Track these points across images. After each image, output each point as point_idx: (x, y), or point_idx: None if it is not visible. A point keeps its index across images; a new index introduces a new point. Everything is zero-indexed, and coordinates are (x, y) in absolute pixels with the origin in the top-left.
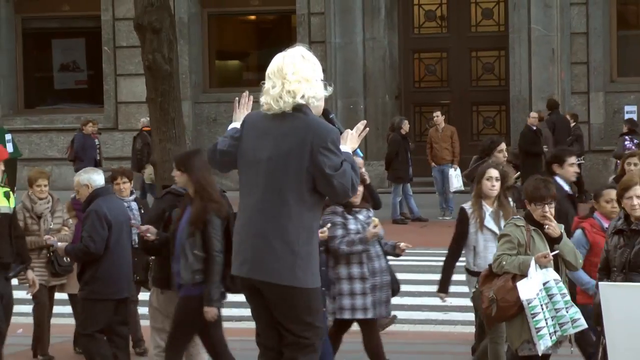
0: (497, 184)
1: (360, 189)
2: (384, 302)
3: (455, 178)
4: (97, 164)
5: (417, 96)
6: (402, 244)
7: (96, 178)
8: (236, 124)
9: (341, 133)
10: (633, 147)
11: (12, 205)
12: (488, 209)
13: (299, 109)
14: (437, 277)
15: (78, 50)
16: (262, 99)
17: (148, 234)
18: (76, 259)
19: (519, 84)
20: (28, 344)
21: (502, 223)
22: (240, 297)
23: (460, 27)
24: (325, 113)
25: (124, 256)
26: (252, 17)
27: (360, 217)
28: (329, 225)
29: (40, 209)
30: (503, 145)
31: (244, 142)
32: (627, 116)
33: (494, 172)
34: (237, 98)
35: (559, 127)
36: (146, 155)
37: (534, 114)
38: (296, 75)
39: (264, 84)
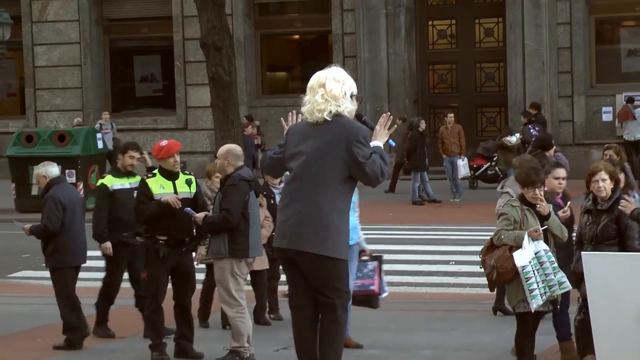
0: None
1: None
2: None
3: (463, 167)
4: (254, 162)
5: (432, 100)
6: None
7: (52, 170)
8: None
9: (373, 129)
10: (538, 133)
11: (193, 190)
12: None
13: (335, 117)
14: (449, 248)
15: (155, 64)
16: (304, 109)
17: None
18: (38, 237)
19: (515, 90)
20: (117, 304)
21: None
22: None
23: (467, 44)
24: (359, 116)
25: (77, 232)
26: (296, 36)
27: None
28: None
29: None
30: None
31: (289, 145)
32: (604, 117)
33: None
34: (282, 118)
35: (542, 123)
36: None
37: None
38: (335, 91)
39: (304, 97)
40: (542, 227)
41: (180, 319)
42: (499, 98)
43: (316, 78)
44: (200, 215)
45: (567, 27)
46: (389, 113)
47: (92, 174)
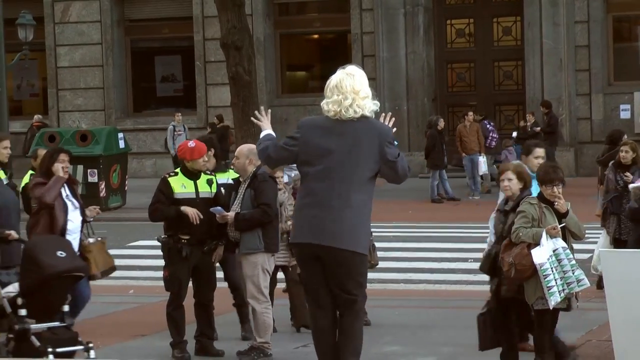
0: None
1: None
2: None
3: (483, 164)
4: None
5: (450, 99)
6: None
7: None
8: (267, 131)
9: None
10: (493, 127)
11: (214, 190)
12: None
13: (362, 117)
14: (468, 245)
15: (175, 64)
16: (329, 107)
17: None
18: None
19: (533, 88)
20: (138, 302)
21: None
22: None
23: (485, 42)
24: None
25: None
26: (315, 36)
27: None
28: None
29: (281, 198)
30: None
31: (308, 139)
32: (622, 114)
33: None
34: (256, 112)
35: (554, 120)
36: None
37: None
38: (363, 92)
39: (326, 93)
40: (560, 224)
41: (200, 316)
42: (517, 96)
43: (343, 76)
44: (231, 213)
45: (585, 25)
46: (390, 113)
47: (113, 173)
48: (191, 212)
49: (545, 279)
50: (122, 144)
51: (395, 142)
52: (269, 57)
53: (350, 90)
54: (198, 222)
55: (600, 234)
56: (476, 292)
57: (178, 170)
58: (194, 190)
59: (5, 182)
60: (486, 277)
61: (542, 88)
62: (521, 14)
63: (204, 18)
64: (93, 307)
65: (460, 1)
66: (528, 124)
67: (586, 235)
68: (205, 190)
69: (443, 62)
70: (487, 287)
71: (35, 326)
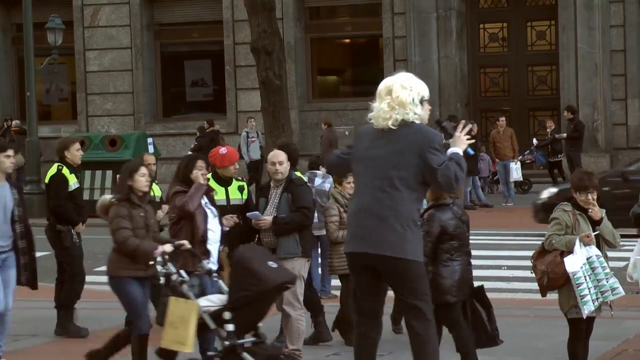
0: None
1: None
2: None
3: (516, 170)
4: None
5: (483, 104)
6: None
7: None
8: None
9: (452, 136)
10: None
11: (245, 197)
12: None
13: (405, 124)
14: (501, 253)
15: (205, 69)
16: (373, 113)
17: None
18: None
19: (567, 93)
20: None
21: None
22: None
23: (519, 47)
24: (438, 122)
25: None
26: (347, 40)
27: None
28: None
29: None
30: None
31: (358, 148)
32: None
33: None
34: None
35: (580, 125)
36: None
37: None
38: (397, 100)
39: (373, 102)
40: (594, 232)
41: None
42: (552, 101)
43: (384, 84)
44: (269, 218)
45: (621, 30)
46: (467, 120)
47: None
48: (225, 221)
49: (578, 287)
50: (151, 149)
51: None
52: (300, 62)
53: (388, 98)
54: (232, 224)
55: (636, 241)
56: (510, 300)
57: (209, 176)
58: (224, 197)
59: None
60: (519, 285)
61: (577, 93)
62: (556, 18)
63: (234, 22)
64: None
65: (494, 5)
66: (548, 130)
67: (621, 243)
68: (236, 197)
69: (476, 66)
70: (520, 295)
71: (242, 341)
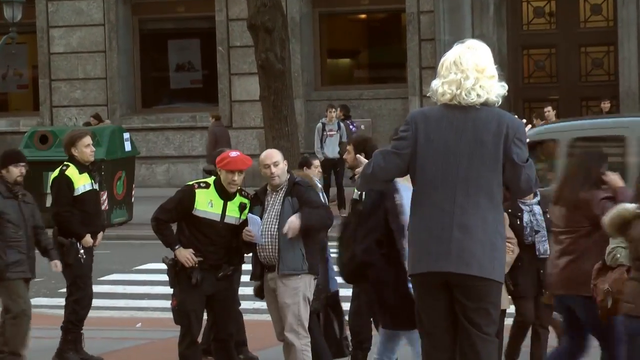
0: None
1: None
2: None
3: None
4: None
5: (526, 92)
6: None
7: None
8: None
9: None
10: (355, 129)
11: (243, 217)
12: None
13: (487, 103)
14: None
15: (193, 50)
16: (445, 88)
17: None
18: None
19: (628, 78)
20: (148, 337)
21: None
22: None
23: (569, 23)
24: None
25: None
26: (363, 15)
27: None
28: None
29: None
30: None
31: (419, 137)
32: None
33: None
34: None
35: None
36: None
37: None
38: (489, 71)
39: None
40: None
41: (219, 354)
42: (609, 88)
43: (462, 50)
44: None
45: None
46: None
47: (118, 181)
48: (184, 256)
49: None
50: (128, 147)
51: None
52: (306, 42)
53: (473, 67)
54: (192, 264)
55: None
56: None
57: (211, 182)
58: (220, 212)
59: None
60: None
61: (639, 78)
62: None
63: None
64: (93, 344)
65: None
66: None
67: None
68: (233, 215)
69: (518, 47)
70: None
71: None
